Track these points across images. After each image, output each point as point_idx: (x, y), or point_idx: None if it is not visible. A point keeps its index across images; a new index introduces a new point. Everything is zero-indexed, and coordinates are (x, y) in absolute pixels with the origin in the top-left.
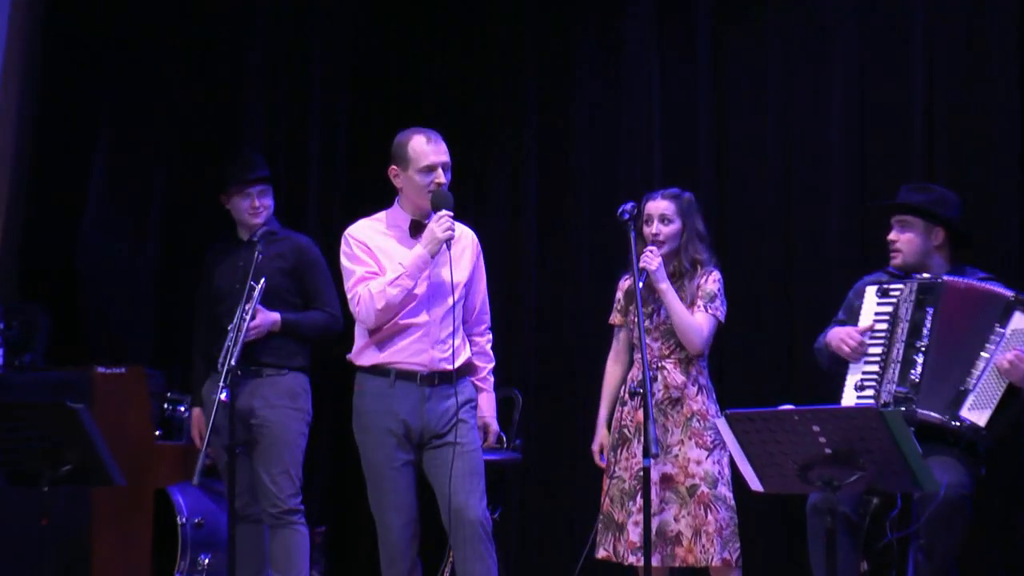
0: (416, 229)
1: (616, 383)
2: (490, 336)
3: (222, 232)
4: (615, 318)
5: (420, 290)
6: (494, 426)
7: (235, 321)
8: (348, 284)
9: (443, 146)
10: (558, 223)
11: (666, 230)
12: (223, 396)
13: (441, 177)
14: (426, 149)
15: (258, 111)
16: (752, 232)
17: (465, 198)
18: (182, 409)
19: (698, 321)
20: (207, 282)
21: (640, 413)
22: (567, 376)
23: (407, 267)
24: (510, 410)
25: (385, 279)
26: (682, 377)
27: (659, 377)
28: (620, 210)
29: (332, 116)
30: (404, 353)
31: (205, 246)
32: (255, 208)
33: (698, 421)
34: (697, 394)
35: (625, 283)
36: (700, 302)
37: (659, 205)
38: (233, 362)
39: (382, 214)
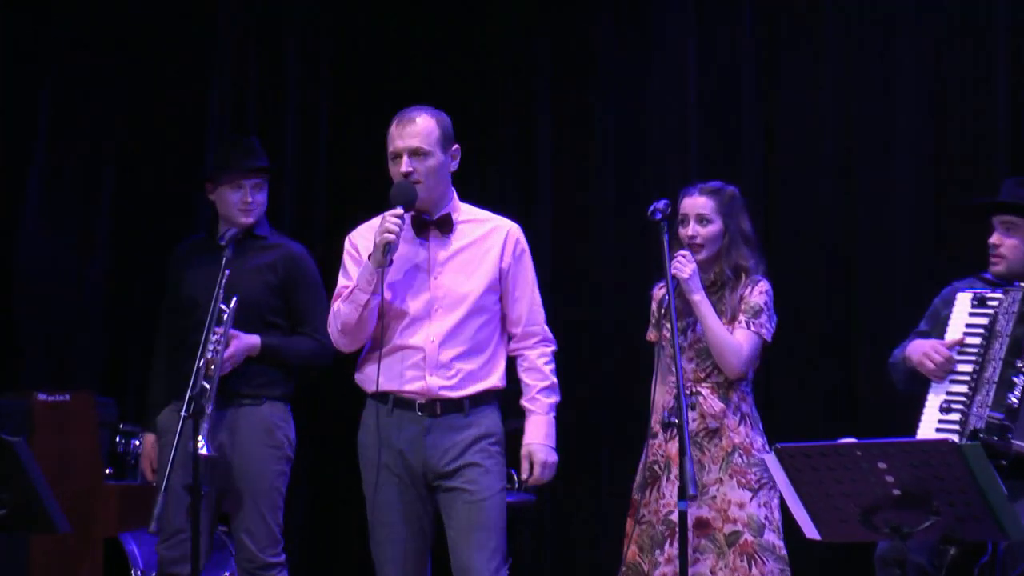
0: (421, 227)
1: (665, 399)
2: (544, 350)
3: (193, 229)
4: (652, 334)
5: (413, 305)
6: (540, 456)
7: (202, 350)
8: None
9: (414, 127)
10: (577, 224)
11: (704, 232)
12: (202, 447)
13: (404, 166)
14: (392, 133)
15: (225, 98)
16: (805, 233)
17: (466, 193)
18: (136, 443)
19: (737, 339)
20: (174, 288)
21: (673, 447)
22: (588, 401)
23: (357, 279)
24: (519, 444)
25: (344, 294)
26: (720, 404)
27: (694, 404)
28: (652, 208)
29: (311, 105)
30: (400, 379)
31: (166, 250)
32: (247, 204)
33: (740, 456)
34: (739, 424)
35: (659, 292)
36: (742, 317)
37: (696, 202)
38: (210, 408)
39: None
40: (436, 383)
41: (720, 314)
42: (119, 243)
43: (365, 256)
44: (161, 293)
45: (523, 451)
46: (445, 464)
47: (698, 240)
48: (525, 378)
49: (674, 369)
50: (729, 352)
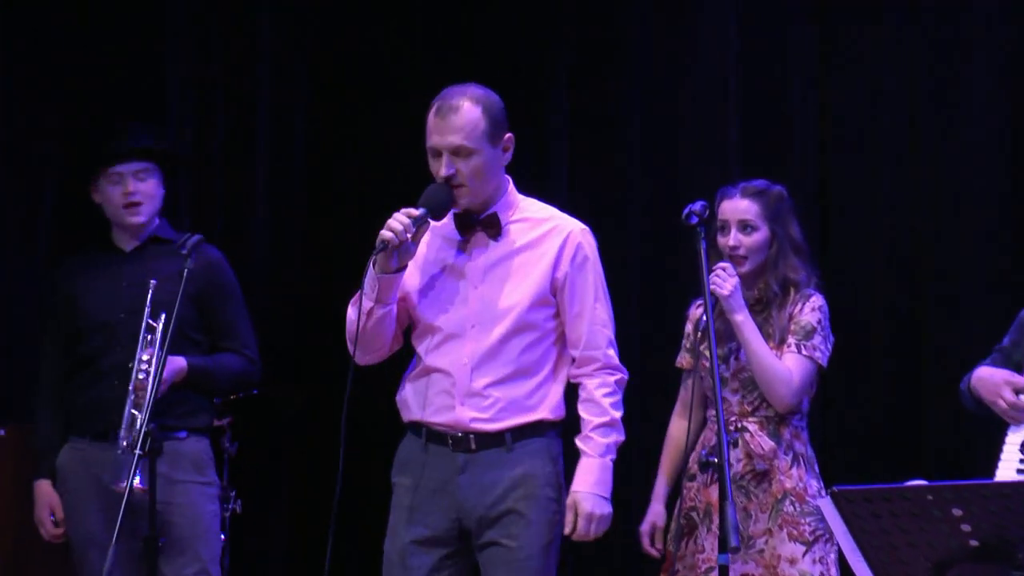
0: (466, 226)
1: (680, 446)
2: (606, 379)
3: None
4: (683, 359)
5: (445, 320)
6: (586, 506)
7: (135, 375)
8: None
9: (456, 118)
10: (597, 230)
11: (748, 240)
12: (137, 482)
13: (445, 168)
14: (430, 125)
15: (186, 85)
16: (864, 239)
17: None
18: None
19: (786, 366)
20: (64, 308)
21: (714, 491)
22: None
23: (364, 283)
24: None
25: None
26: (770, 443)
27: (739, 442)
28: (687, 211)
29: (287, 92)
30: (429, 408)
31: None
32: (129, 197)
33: (793, 504)
34: (791, 466)
35: (696, 312)
36: (792, 339)
37: (738, 206)
38: (138, 448)
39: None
40: (467, 414)
41: (767, 337)
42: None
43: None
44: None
45: (568, 500)
46: (485, 509)
47: (741, 251)
48: (581, 412)
49: (714, 400)
50: (778, 381)
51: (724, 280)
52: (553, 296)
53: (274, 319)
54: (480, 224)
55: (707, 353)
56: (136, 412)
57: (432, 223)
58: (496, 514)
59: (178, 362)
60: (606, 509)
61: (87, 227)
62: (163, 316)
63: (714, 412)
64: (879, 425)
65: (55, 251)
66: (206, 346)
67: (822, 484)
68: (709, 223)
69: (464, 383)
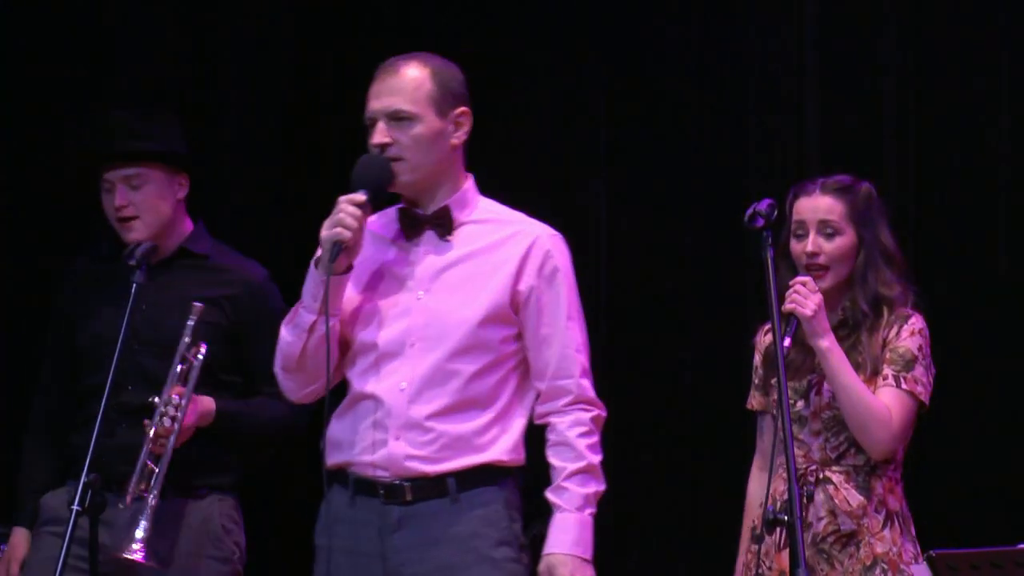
0: (411, 224)
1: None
2: (580, 415)
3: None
4: (755, 400)
5: (383, 335)
6: (563, 572)
7: (157, 418)
8: None
9: (395, 80)
10: (643, 235)
11: (830, 246)
12: (137, 551)
13: (377, 135)
14: (370, 89)
15: (139, 57)
16: (967, 250)
17: (489, 176)
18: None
19: (883, 403)
20: (70, 325)
21: (786, 557)
22: (659, 491)
23: (302, 293)
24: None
25: (287, 316)
26: (859, 497)
27: (820, 496)
28: (750, 212)
29: (266, 66)
30: (357, 446)
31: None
32: (120, 211)
33: (885, 572)
34: (884, 527)
35: (766, 339)
36: (889, 370)
37: (818, 204)
38: (153, 498)
39: (387, 210)
40: (402, 451)
41: (856, 367)
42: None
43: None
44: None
45: (540, 565)
46: None
47: (821, 258)
48: (551, 458)
49: (785, 445)
50: (874, 422)
51: (805, 297)
52: (515, 314)
53: None
54: (428, 221)
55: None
56: (152, 465)
57: (385, 231)
58: None
59: (205, 403)
60: (588, 573)
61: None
62: (204, 347)
63: (783, 459)
64: (983, 473)
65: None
66: (239, 390)
67: (919, 548)
68: (777, 227)
69: (400, 412)
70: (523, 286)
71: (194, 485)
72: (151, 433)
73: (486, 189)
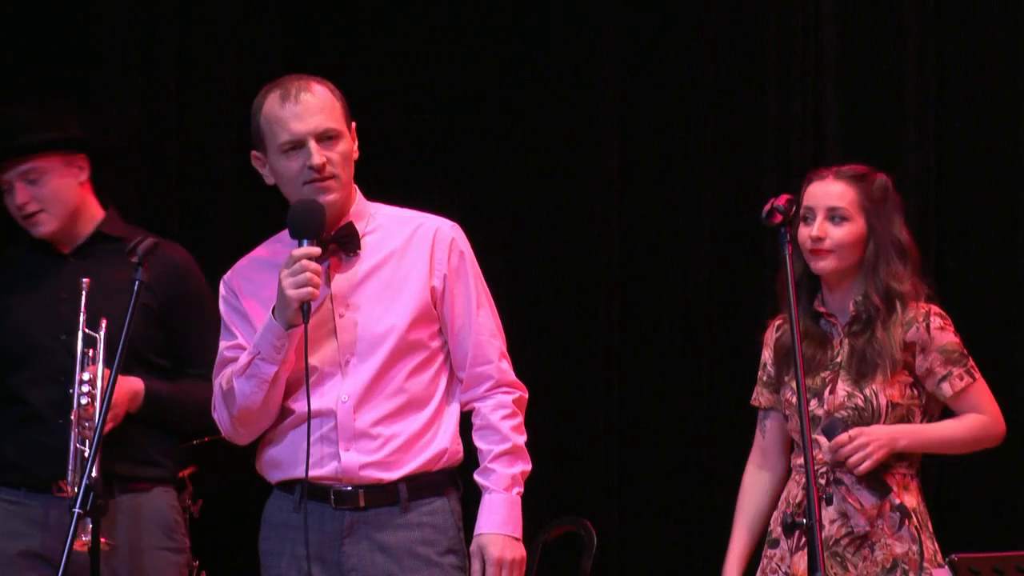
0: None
1: (759, 504)
2: (503, 398)
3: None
4: (761, 396)
5: (317, 357)
6: (494, 551)
7: (76, 401)
8: None
9: (312, 99)
10: (652, 231)
11: (837, 233)
12: (85, 539)
13: (315, 156)
14: (277, 115)
15: (122, 46)
16: (986, 250)
17: (492, 177)
18: None
19: (971, 420)
20: None
21: (803, 560)
22: (671, 493)
23: (259, 344)
24: (574, 554)
25: (238, 365)
26: (871, 498)
27: (835, 498)
28: (768, 208)
29: (251, 60)
30: (305, 462)
31: None
32: (22, 209)
33: (906, 572)
34: (900, 527)
35: (776, 335)
36: (957, 369)
37: (829, 189)
38: (77, 506)
39: (285, 232)
40: (356, 460)
41: (872, 366)
42: None
43: (249, 306)
44: None
45: (472, 546)
46: None
47: (826, 244)
48: (478, 441)
49: (801, 445)
50: (984, 439)
51: (857, 452)
52: (435, 308)
53: None
54: (333, 241)
55: (793, 385)
56: (83, 448)
57: (259, 257)
58: None
59: (132, 384)
60: (519, 552)
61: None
62: (104, 324)
63: (801, 460)
64: (1001, 474)
65: None
66: (169, 372)
67: (938, 548)
68: (795, 220)
69: (347, 424)
70: (436, 280)
71: (139, 479)
72: (73, 418)
73: (493, 187)
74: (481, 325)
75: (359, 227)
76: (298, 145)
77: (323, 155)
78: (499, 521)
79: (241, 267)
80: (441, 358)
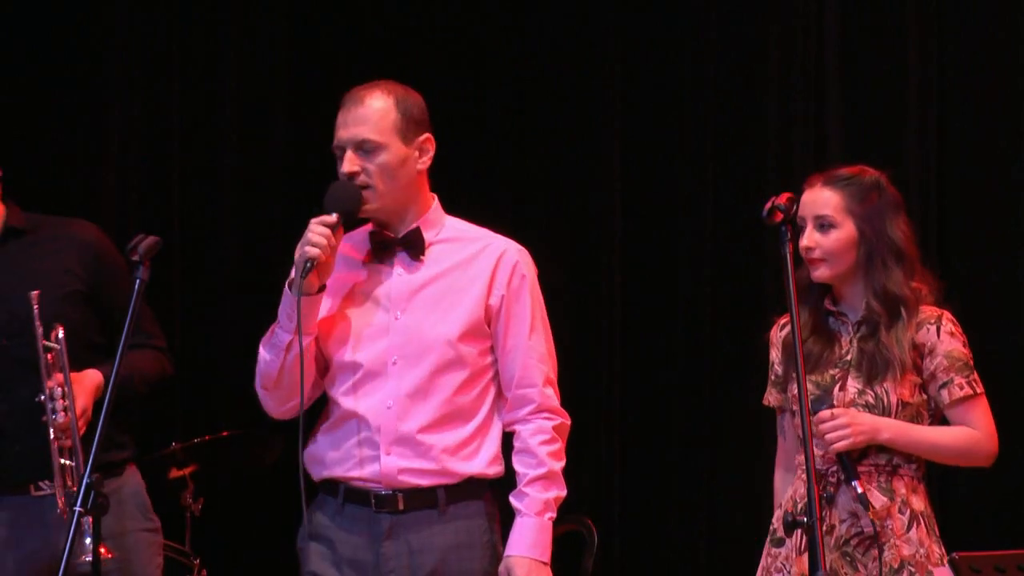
0: (382, 248)
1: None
2: (543, 424)
3: None
4: (772, 396)
5: (365, 356)
6: (520, 573)
7: (50, 415)
8: None
9: (361, 110)
10: (653, 233)
11: (826, 241)
12: (87, 558)
13: (346, 164)
14: (337, 119)
15: (123, 45)
16: (988, 239)
17: (493, 177)
18: None
19: (967, 433)
20: None
21: (804, 559)
22: (673, 492)
23: (279, 315)
24: (576, 553)
25: (266, 335)
26: (882, 498)
27: (842, 498)
28: (769, 207)
29: (252, 60)
30: (349, 462)
31: None
32: None
33: (913, 574)
34: (908, 527)
35: (782, 333)
36: (959, 378)
37: (816, 197)
38: (91, 503)
39: (357, 230)
40: (395, 465)
41: (879, 372)
42: None
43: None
44: None
45: (500, 567)
46: None
47: (816, 253)
48: (516, 464)
49: (804, 446)
50: (974, 453)
51: (837, 431)
52: (488, 326)
53: (248, 342)
54: (400, 243)
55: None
56: (67, 462)
57: (355, 253)
58: None
59: (91, 378)
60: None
61: None
62: (61, 330)
63: (803, 457)
64: (1008, 475)
65: None
66: (106, 348)
67: (944, 550)
68: (795, 221)
69: (390, 428)
70: (494, 299)
71: (112, 463)
72: (51, 432)
73: (494, 187)
74: (532, 348)
75: (427, 235)
76: (340, 150)
77: (357, 164)
78: (528, 544)
79: None
80: (490, 375)
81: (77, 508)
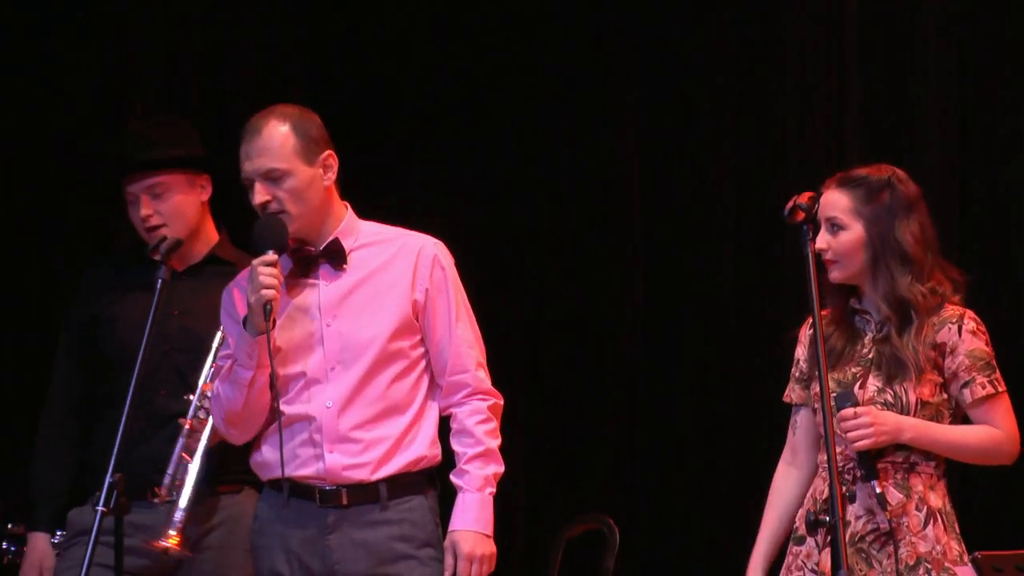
0: (306, 263)
1: (788, 501)
2: (478, 404)
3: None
4: (793, 393)
5: (304, 365)
6: (465, 546)
7: (193, 412)
8: None
9: (259, 141)
10: (678, 234)
11: (836, 243)
12: (176, 541)
13: (257, 196)
14: (240, 151)
15: (151, 56)
16: (1013, 240)
17: (512, 176)
18: (12, 548)
19: (988, 432)
20: (88, 330)
21: (826, 557)
22: (695, 491)
23: (235, 351)
24: (597, 552)
25: (223, 371)
26: (899, 495)
27: (859, 495)
28: (789, 208)
29: (281, 79)
30: (296, 461)
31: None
32: (147, 221)
33: (928, 572)
34: (926, 524)
35: (810, 330)
36: (981, 376)
37: (828, 199)
38: (191, 490)
39: None
40: (339, 462)
41: (897, 373)
42: None
43: (243, 311)
44: (51, 339)
45: (445, 542)
46: (361, 572)
47: (828, 254)
48: (454, 445)
49: (827, 444)
50: (995, 453)
51: (858, 429)
52: (416, 320)
53: None
54: (321, 256)
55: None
56: (187, 456)
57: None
58: None
59: None
60: (489, 548)
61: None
62: (219, 335)
63: (825, 456)
64: (1021, 474)
65: None
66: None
67: (964, 547)
68: (816, 220)
69: (331, 428)
70: (419, 294)
71: (228, 480)
72: (186, 427)
73: (514, 186)
74: (460, 337)
75: (346, 243)
76: (249, 182)
77: (268, 193)
78: (471, 519)
79: (241, 277)
80: (422, 366)
81: (100, 508)
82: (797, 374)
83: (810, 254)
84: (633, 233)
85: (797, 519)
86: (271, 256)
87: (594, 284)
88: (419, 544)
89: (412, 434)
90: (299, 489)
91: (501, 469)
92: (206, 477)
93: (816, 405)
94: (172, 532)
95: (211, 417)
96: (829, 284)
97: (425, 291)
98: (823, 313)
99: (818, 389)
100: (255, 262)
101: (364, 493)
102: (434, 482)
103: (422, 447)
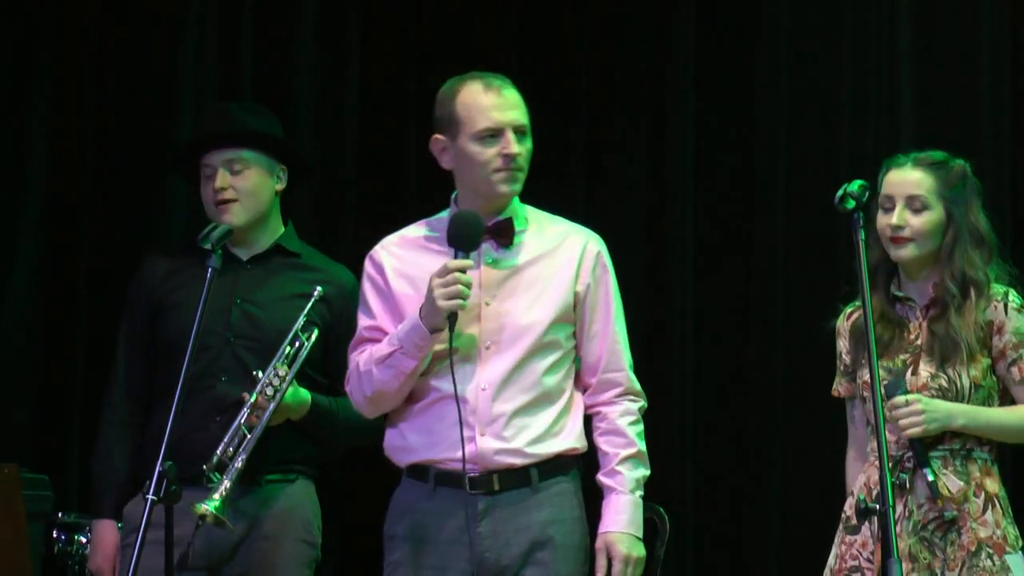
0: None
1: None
2: (630, 406)
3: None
4: (841, 386)
5: (456, 341)
6: (620, 549)
7: (261, 388)
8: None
9: (513, 95)
10: (722, 223)
11: (917, 221)
12: (213, 506)
13: (512, 146)
14: (482, 102)
15: (206, 51)
16: None
17: (567, 170)
18: (83, 541)
19: None
20: (152, 319)
21: (878, 548)
22: (748, 481)
23: (402, 339)
24: (648, 540)
25: (378, 351)
26: (958, 482)
27: (920, 483)
28: (841, 195)
29: (334, 66)
30: (441, 445)
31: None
32: (219, 194)
33: (991, 558)
34: (985, 509)
35: (848, 322)
36: (1016, 354)
37: (907, 178)
38: (241, 461)
39: (439, 217)
40: (491, 446)
41: (949, 353)
42: (48, 257)
43: (396, 284)
44: (112, 330)
45: (598, 542)
46: (509, 560)
47: (906, 231)
48: (603, 444)
49: (877, 432)
50: None
51: (910, 416)
52: (573, 312)
53: None
54: (489, 231)
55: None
56: (246, 432)
57: (437, 244)
58: (520, 566)
59: (301, 395)
60: (641, 552)
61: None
62: (315, 333)
63: (875, 444)
64: None
65: (45, 246)
66: (324, 391)
67: (1018, 531)
68: (869, 209)
69: (484, 411)
70: (580, 286)
71: (286, 470)
72: (250, 401)
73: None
74: (616, 333)
75: (515, 225)
76: (497, 133)
77: (516, 148)
78: (625, 521)
79: (389, 243)
80: (571, 358)
81: (150, 496)
82: (842, 367)
83: (860, 241)
84: (687, 221)
85: (847, 508)
86: (468, 262)
87: (645, 274)
88: (567, 531)
89: (562, 423)
90: (445, 477)
91: (649, 472)
92: (268, 466)
93: (865, 394)
94: (215, 496)
95: (275, 396)
96: (870, 273)
97: (587, 285)
98: (851, 308)
99: (867, 378)
100: (451, 265)
101: (516, 478)
102: (579, 467)
103: (571, 437)
